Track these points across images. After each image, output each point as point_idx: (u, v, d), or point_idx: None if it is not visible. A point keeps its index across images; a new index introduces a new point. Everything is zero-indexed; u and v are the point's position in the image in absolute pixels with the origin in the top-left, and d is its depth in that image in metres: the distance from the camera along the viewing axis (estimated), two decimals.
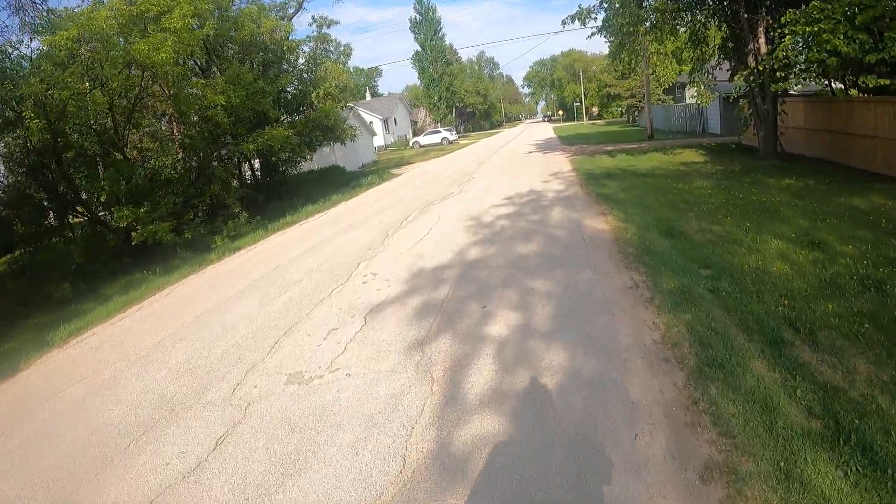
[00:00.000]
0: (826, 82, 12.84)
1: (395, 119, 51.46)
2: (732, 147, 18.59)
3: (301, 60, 18.50)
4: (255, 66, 15.11)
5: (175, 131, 12.51)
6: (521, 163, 19.65)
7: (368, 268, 7.33)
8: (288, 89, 17.09)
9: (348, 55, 18.52)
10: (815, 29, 9.63)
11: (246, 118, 14.06)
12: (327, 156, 28.26)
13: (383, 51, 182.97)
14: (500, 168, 18.30)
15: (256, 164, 17.60)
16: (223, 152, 14.04)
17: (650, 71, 22.80)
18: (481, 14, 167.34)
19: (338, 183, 19.35)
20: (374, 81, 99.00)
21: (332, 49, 18.46)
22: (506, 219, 9.32)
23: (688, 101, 35.12)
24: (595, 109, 76.73)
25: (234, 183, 15.17)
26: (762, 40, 13.20)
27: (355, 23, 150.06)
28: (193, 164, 12.57)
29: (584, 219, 8.62)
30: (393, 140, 49.54)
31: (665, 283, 5.25)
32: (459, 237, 8.35)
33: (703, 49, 15.10)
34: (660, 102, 38.30)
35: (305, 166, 28.73)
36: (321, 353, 4.74)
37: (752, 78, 13.21)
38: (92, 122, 10.52)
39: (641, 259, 6.12)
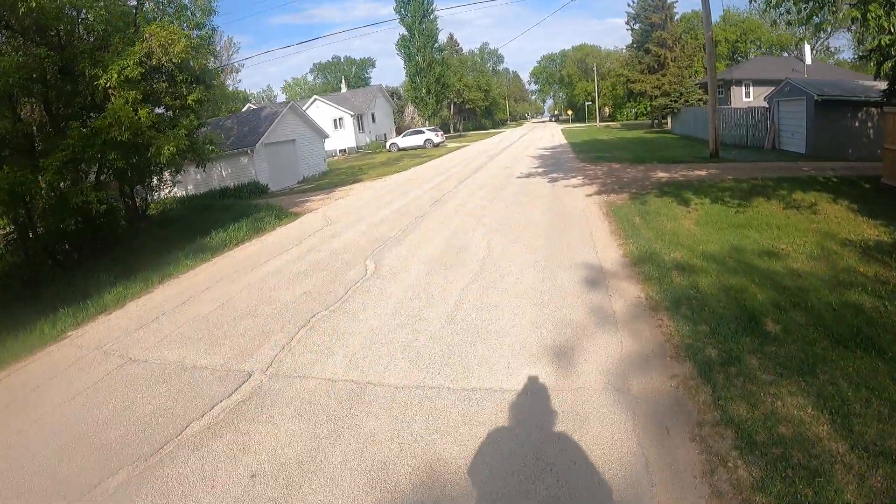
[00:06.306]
0: None
1: (372, 115, 43.35)
2: (867, 187, 10.71)
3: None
4: None
5: None
6: (508, 206, 11.56)
7: None
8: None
9: (207, 11, 10.50)
10: None
11: None
12: (245, 167, 20.35)
13: (388, 48, 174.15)
14: (462, 223, 10.00)
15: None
16: None
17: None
18: (488, 11, 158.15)
19: (198, 230, 11.41)
20: (367, 73, 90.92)
21: (188, 3, 10.47)
22: None
23: (739, 104, 26.79)
24: (608, 110, 68.58)
25: None
26: None
27: (360, 18, 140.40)
28: None
29: None
30: (369, 140, 41.48)
31: None
32: None
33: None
34: (700, 103, 30.17)
35: (214, 182, 20.84)
36: None
37: None
38: None
39: None
